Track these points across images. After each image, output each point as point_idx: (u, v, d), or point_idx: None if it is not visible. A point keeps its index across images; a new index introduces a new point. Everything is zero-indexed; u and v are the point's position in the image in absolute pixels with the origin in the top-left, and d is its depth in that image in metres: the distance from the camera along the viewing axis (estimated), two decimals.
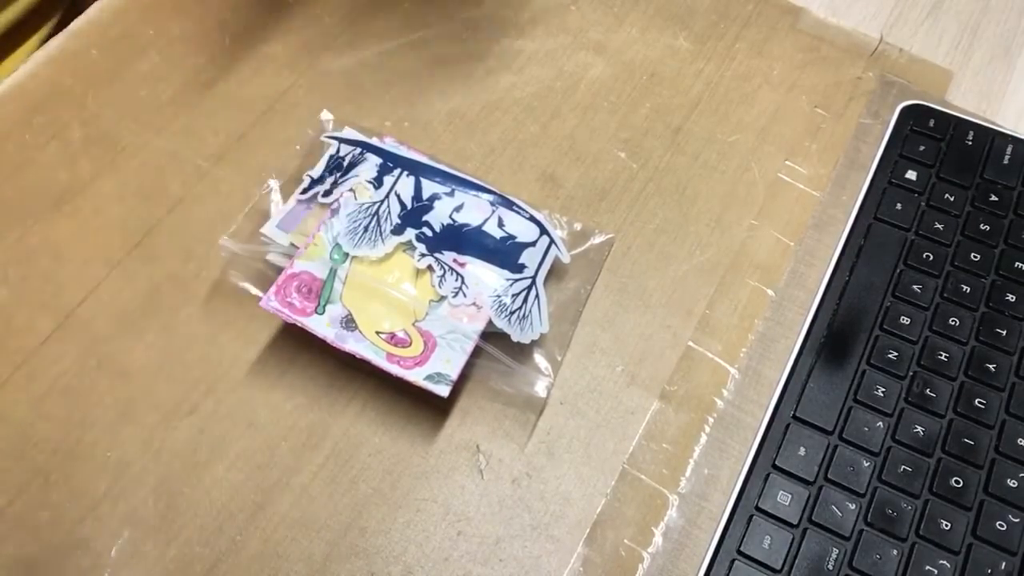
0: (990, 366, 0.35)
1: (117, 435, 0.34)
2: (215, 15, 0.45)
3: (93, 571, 0.31)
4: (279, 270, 0.35)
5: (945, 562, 0.31)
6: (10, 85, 0.42)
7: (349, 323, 0.33)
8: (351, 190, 0.36)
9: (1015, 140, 0.41)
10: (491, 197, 0.37)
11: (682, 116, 0.43)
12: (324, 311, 0.34)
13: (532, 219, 0.37)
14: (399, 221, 0.36)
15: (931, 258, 0.38)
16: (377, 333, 0.33)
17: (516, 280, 0.35)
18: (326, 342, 0.33)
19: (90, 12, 0.45)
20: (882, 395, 0.34)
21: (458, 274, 0.35)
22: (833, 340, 0.36)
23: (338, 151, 0.38)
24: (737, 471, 0.34)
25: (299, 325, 0.33)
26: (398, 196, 0.36)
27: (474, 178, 0.38)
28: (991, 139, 0.41)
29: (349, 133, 0.39)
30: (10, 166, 0.40)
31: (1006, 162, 0.40)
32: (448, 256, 0.35)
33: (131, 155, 0.40)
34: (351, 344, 0.33)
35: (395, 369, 0.32)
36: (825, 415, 0.34)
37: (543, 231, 0.37)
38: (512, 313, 0.34)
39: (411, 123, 0.42)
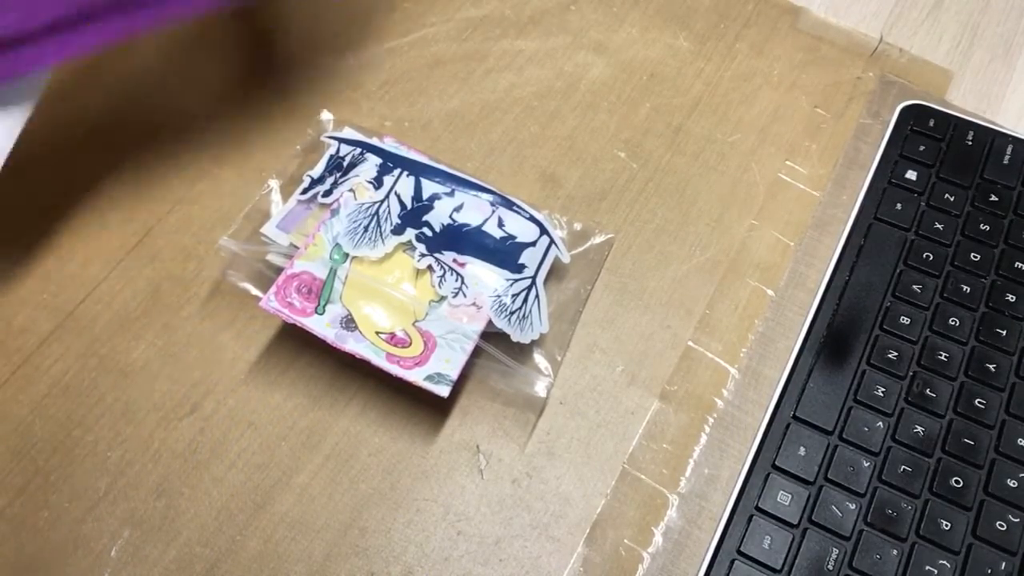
0: (990, 366, 0.35)
1: (117, 435, 0.34)
2: (215, 15, 0.45)
3: (93, 571, 0.31)
4: (279, 270, 0.35)
5: (945, 562, 0.31)
6: None
7: (349, 323, 0.33)
8: (351, 190, 0.36)
9: (1015, 140, 0.41)
10: (491, 197, 0.37)
11: (682, 116, 0.43)
12: (324, 311, 0.34)
13: (532, 219, 0.37)
14: (399, 221, 0.36)
15: (931, 258, 0.38)
16: (377, 333, 0.33)
17: (516, 280, 0.35)
18: (326, 342, 0.33)
19: None
20: (882, 395, 0.34)
21: (458, 274, 0.35)
22: (833, 340, 0.36)
23: (338, 151, 0.38)
24: (737, 471, 0.34)
25: (299, 325, 0.33)
26: (398, 196, 0.36)
27: (474, 178, 0.38)
28: (991, 139, 0.41)
29: (349, 133, 0.39)
30: (10, 166, 0.40)
31: (1006, 162, 0.40)
32: (448, 256, 0.35)
33: (131, 155, 0.40)
34: (351, 344, 0.33)
35: (395, 369, 0.32)
36: (825, 415, 0.34)
37: (543, 231, 0.37)
38: (512, 313, 0.34)
39: (411, 123, 0.42)
